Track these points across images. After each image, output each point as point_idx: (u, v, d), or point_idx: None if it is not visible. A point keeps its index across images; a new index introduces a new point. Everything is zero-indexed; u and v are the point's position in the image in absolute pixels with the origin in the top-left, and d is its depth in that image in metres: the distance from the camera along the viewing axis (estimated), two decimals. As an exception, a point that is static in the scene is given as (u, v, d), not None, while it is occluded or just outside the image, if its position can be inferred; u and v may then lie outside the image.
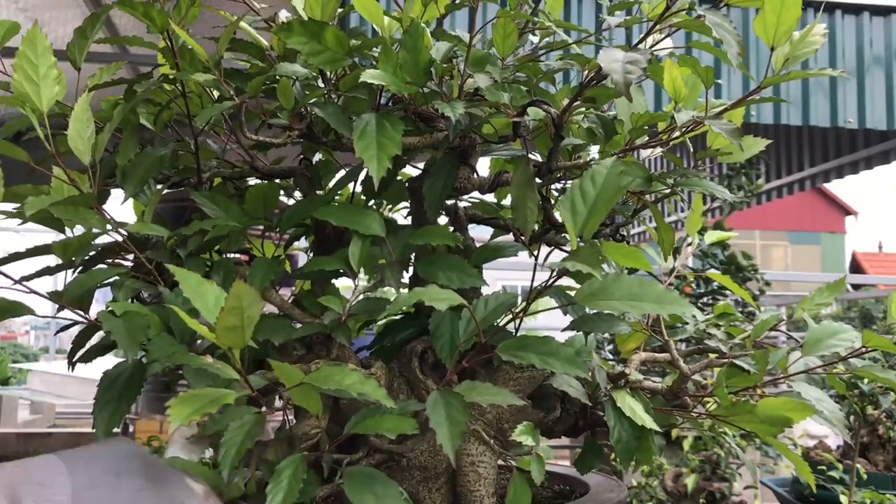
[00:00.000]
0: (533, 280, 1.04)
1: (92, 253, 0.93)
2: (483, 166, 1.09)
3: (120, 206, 0.95)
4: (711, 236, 1.17)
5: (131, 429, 4.75)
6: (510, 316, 1.11)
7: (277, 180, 1.06)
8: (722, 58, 0.86)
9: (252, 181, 1.07)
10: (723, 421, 0.92)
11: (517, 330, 1.05)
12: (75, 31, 0.90)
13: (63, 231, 0.87)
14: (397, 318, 1.05)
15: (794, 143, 6.46)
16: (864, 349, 0.90)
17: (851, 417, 2.48)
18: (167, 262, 0.91)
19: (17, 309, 0.84)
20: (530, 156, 0.93)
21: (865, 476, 2.38)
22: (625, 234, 1.03)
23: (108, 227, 0.86)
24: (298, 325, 0.96)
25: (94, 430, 0.80)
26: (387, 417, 0.78)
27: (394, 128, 0.83)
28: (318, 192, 1.05)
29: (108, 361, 0.92)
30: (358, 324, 1.09)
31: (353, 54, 0.89)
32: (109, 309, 0.81)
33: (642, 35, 0.88)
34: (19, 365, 15.36)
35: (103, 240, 0.92)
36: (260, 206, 0.97)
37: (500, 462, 1.02)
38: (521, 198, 0.90)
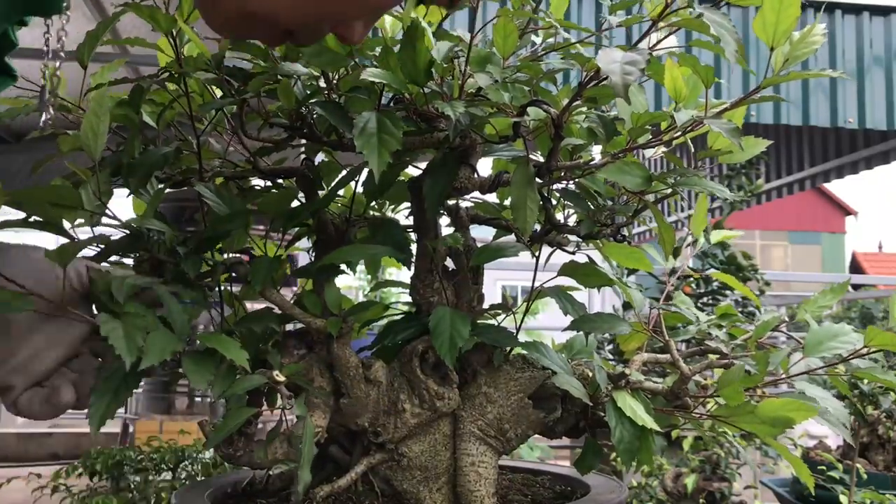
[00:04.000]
0: (534, 280, 1.04)
1: (96, 251, 0.93)
2: (486, 167, 1.09)
3: (121, 207, 0.95)
4: (717, 235, 1.17)
5: (131, 429, 4.75)
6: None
7: (280, 181, 1.06)
8: (723, 54, 0.86)
9: (254, 181, 1.08)
10: (724, 421, 0.92)
11: (518, 330, 1.05)
12: (87, 34, 0.90)
13: (61, 226, 0.87)
14: (398, 318, 1.05)
15: (794, 143, 6.47)
16: (865, 349, 0.90)
17: (851, 417, 2.48)
18: (167, 259, 0.91)
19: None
20: (532, 156, 0.93)
21: (865, 476, 2.38)
22: (626, 234, 1.03)
23: (114, 221, 0.86)
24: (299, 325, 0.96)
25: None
26: None
27: (395, 124, 0.83)
28: (319, 192, 1.05)
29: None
30: (359, 324, 1.09)
31: (354, 55, 0.90)
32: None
33: (642, 34, 0.88)
34: (19, 365, 15.31)
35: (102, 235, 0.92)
36: (272, 210, 0.98)
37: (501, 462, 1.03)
38: (522, 198, 0.90)
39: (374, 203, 1.10)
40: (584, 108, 0.97)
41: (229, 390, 0.83)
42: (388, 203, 1.15)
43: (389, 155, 0.80)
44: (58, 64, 1.00)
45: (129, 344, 0.75)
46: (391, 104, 0.95)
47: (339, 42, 0.76)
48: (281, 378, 0.87)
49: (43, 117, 0.99)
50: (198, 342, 0.85)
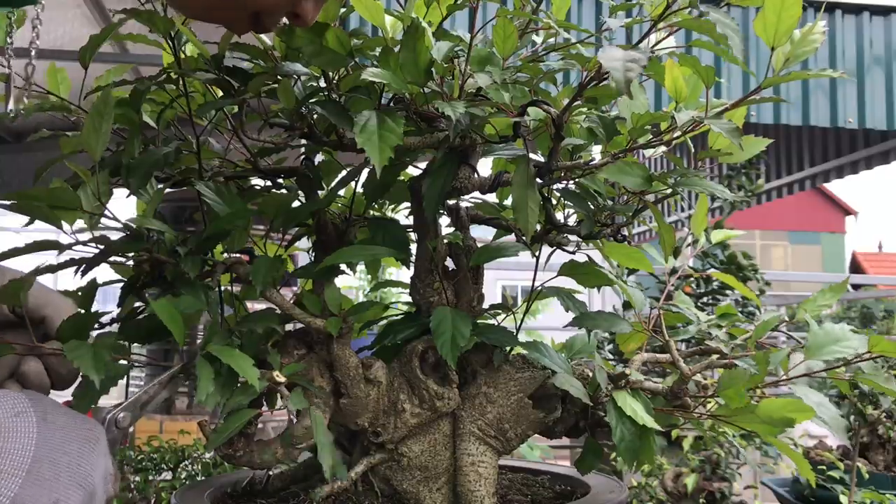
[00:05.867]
0: (534, 280, 1.04)
1: (95, 252, 0.93)
2: (486, 167, 1.09)
3: (123, 208, 0.95)
4: (717, 235, 1.17)
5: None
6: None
7: (280, 180, 1.06)
8: (723, 55, 0.86)
9: (255, 181, 1.08)
10: (724, 421, 0.92)
11: (518, 330, 1.05)
12: (91, 37, 0.91)
13: (60, 227, 0.87)
14: (398, 317, 1.05)
15: (794, 143, 6.47)
16: (868, 354, 0.90)
17: (851, 417, 2.48)
18: (167, 259, 0.91)
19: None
20: (532, 156, 0.93)
21: (867, 475, 2.38)
22: (626, 234, 1.03)
23: (115, 222, 0.86)
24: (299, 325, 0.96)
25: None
26: None
27: (395, 122, 0.84)
28: (319, 192, 1.05)
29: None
30: (360, 324, 1.10)
31: (355, 55, 0.90)
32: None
33: (643, 34, 0.88)
34: (19, 364, 15.38)
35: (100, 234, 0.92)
36: (272, 211, 0.98)
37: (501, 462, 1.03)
38: (522, 198, 0.90)
39: (374, 203, 1.10)
40: (585, 109, 0.97)
41: (232, 399, 0.83)
42: (388, 203, 1.15)
43: (391, 150, 0.80)
44: (31, 56, 1.00)
45: (96, 363, 0.76)
46: (391, 104, 0.95)
47: (296, 25, 0.76)
48: (281, 379, 0.88)
49: (10, 105, 0.99)
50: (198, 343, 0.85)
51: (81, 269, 0.92)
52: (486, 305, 1.08)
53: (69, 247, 0.89)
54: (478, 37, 0.89)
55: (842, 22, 4.51)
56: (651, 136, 0.95)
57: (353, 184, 1.04)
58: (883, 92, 4.55)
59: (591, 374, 0.98)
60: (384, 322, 1.05)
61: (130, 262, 0.95)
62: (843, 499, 2.25)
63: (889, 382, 0.90)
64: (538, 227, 1.01)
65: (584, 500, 0.98)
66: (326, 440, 0.87)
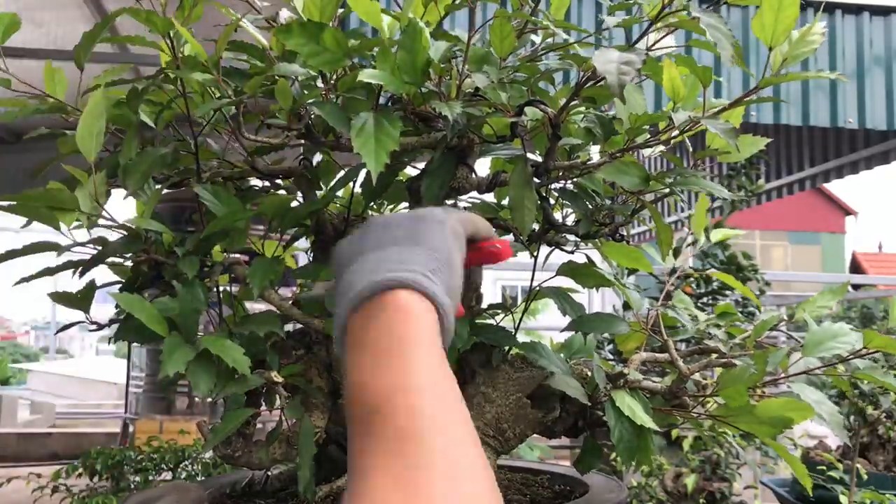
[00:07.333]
0: (532, 280, 1.04)
1: (93, 252, 0.93)
2: (484, 166, 1.09)
3: (118, 209, 0.95)
4: (717, 234, 1.17)
5: (131, 429, 4.75)
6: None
7: (279, 181, 1.06)
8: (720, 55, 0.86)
9: (253, 181, 1.07)
10: (723, 422, 0.92)
11: (516, 329, 1.05)
12: (84, 34, 0.91)
13: (59, 229, 0.87)
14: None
15: (794, 143, 6.46)
16: (864, 350, 0.90)
17: (851, 417, 2.48)
18: (165, 259, 0.91)
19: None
20: (529, 156, 0.93)
21: (866, 476, 2.38)
22: (624, 233, 1.03)
23: (111, 223, 0.86)
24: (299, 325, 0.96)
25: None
26: None
27: (392, 125, 0.83)
28: (318, 192, 1.05)
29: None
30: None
31: (352, 55, 0.89)
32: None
33: (639, 35, 0.88)
34: (19, 365, 15.44)
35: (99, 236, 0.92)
36: (272, 213, 0.98)
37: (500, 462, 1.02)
38: (520, 198, 0.90)
39: (372, 203, 1.10)
40: (583, 108, 0.97)
41: (226, 390, 0.83)
42: (386, 203, 1.15)
43: (387, 156, 0.80)
44: None
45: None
46: (389, 104, 0.95)
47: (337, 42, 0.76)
48: (279, 379, 0.87)
49: None
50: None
51: (80, 270, 0.92)
52: (484, 305, 1.08)
53: (68, 248, 0.89)
54: (475, 37, 0.89)
55: (842, 22, 4.51)
56: (649, 136, 0.95)
57: (351, 184, 1.04)
58: (883, 92, 4.55)
59: (589, 374, 0.98)
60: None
61: (129, 263, 0.95)
62: (843, 499, 2.25)
63: (886, 376, 0.90)
64: (536, 226, 1.01)
65: (583, 500, 0.97)
66: (310, 453, 0.86)
